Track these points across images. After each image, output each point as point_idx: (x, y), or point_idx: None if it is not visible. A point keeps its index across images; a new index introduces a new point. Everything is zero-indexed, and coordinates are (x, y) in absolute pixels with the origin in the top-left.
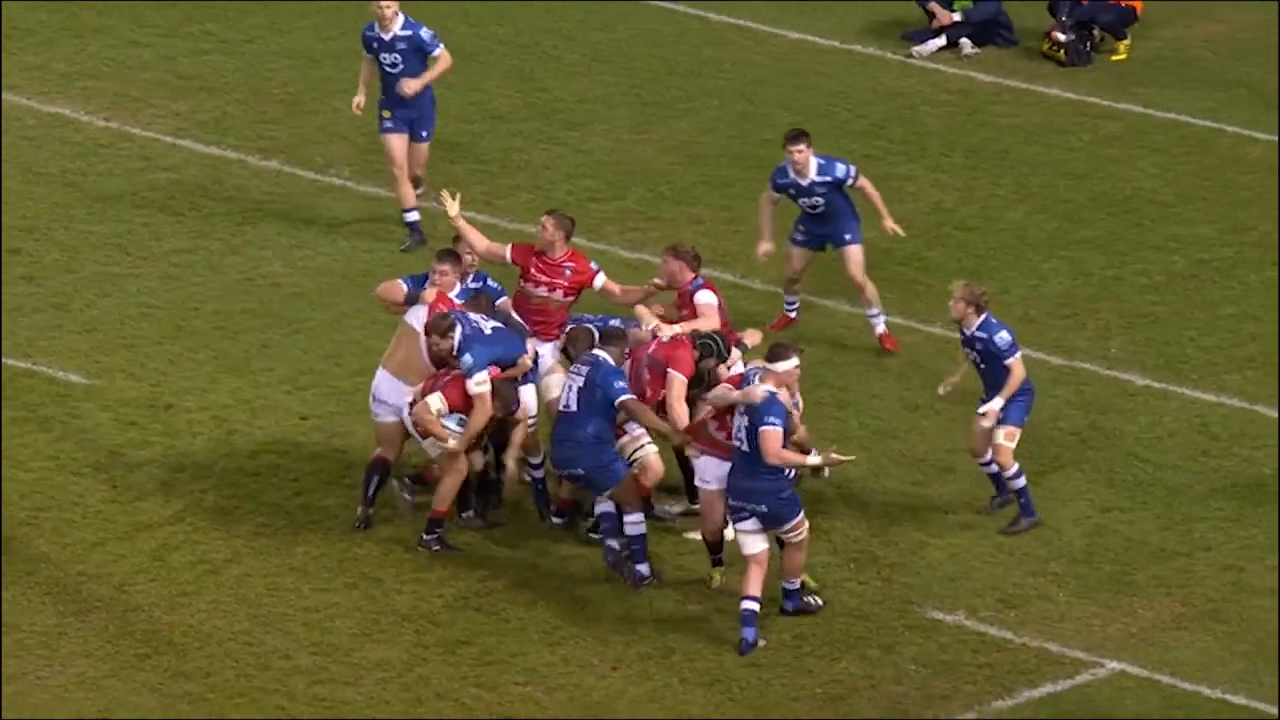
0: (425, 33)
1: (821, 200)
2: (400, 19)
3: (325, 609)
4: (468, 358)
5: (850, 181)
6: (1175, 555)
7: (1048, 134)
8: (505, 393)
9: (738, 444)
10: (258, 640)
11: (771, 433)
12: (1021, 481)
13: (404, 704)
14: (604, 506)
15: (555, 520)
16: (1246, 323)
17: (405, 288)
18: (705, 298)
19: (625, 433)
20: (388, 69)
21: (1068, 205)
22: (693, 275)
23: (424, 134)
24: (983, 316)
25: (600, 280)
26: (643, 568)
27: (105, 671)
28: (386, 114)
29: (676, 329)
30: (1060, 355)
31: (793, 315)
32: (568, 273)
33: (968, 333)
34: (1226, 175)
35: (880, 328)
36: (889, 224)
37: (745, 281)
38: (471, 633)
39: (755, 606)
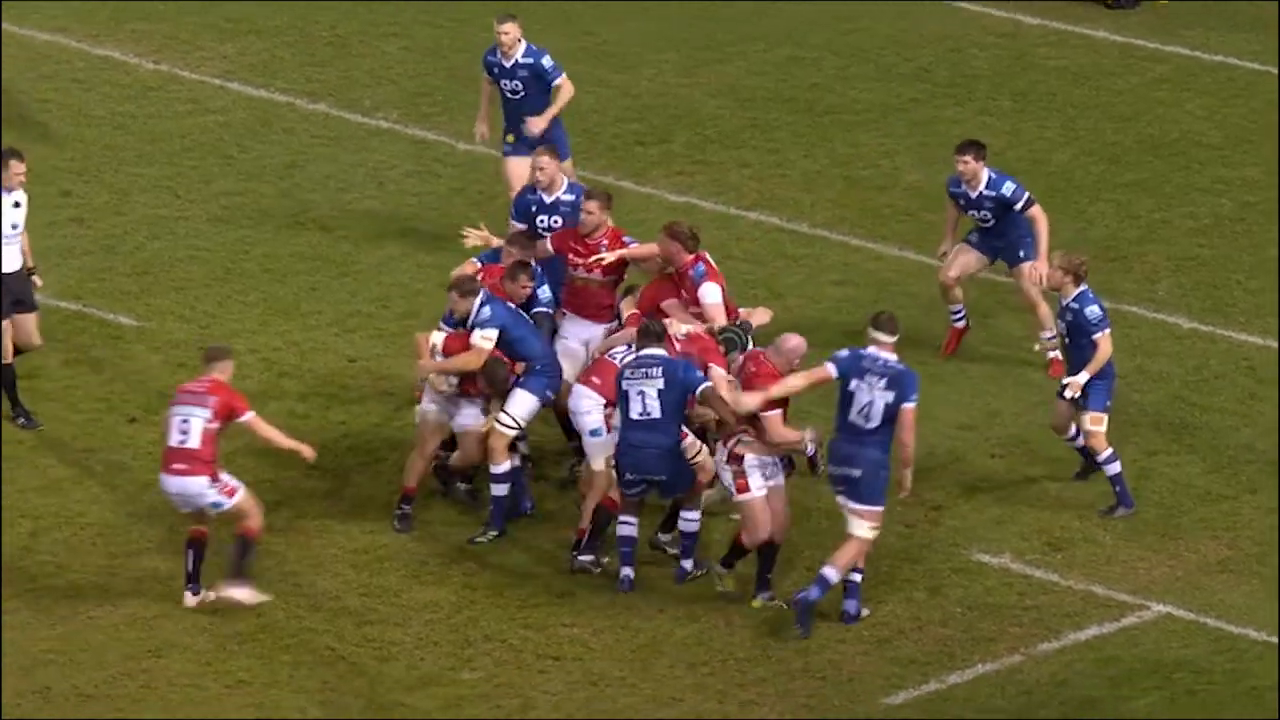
0: (547, 61)
1: (990, 215)
2: (522, 45)
3: (374, 550)
4: (486, 310)
5: (1019, 206)
6: (1221, 498)
7: (1095, 76)
8: (498, 372)
9: (860, 419)
10: (307, 582)
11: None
12: (1116, 468)
13: (452, 645)
14: (628, 529)
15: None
16: None
17: (478, 264)
18: (711, 295)
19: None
20: (508, 95)
21: (1114, 148)
22: (691, 256)
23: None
24: (1081, 288)
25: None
26: (687, 563)
27: (156, 612)
28: (510, 138)
29: (689, 328)
30: (1107, 298)
31: (960, 325)
32: (604, 249)
33: (1063, 303)
34: (1274, 118)
35: (1051, 353)
36: (1040, 266)
37: (793, 225)
38: (519, 575)
39: (857, 578)
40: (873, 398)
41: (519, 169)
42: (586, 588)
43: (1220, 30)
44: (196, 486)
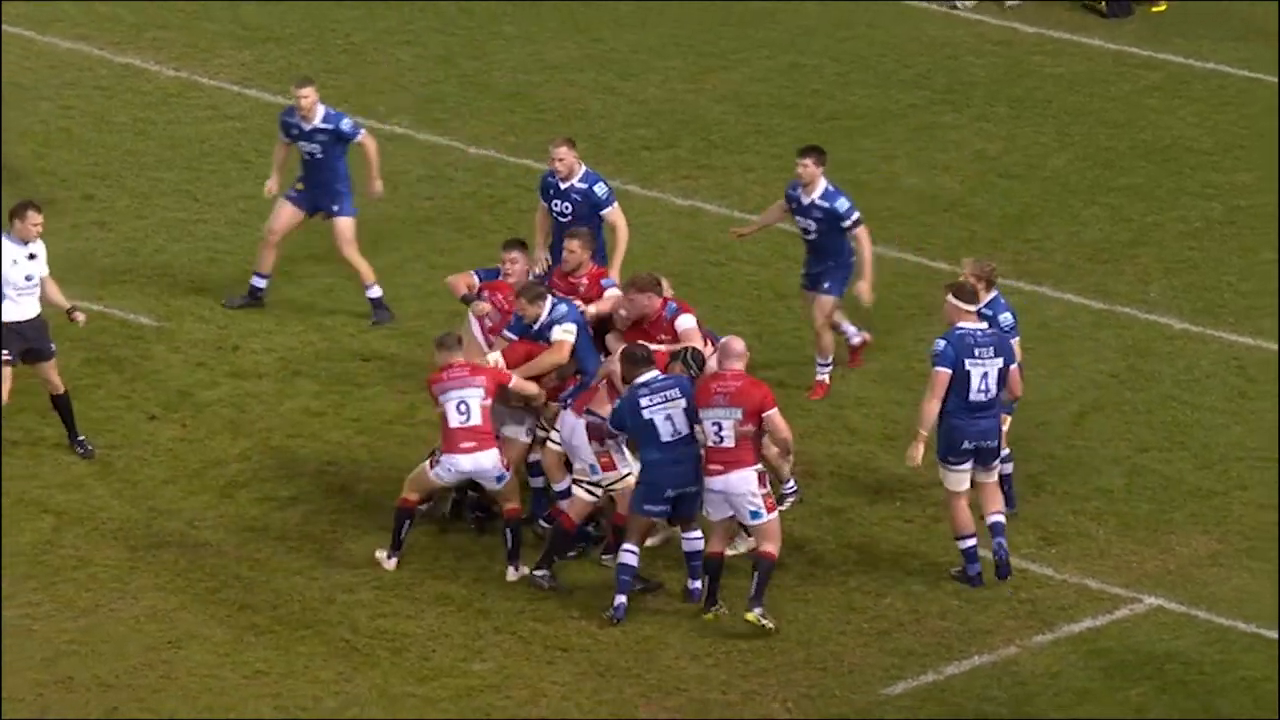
0: (346, 124)
1: (815, 226)
2: (321, 110)
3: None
4: (562, 306)
5: (848, 224)
6: (1212, 494)
7: (1089, 84)
8: (567, 370)
9: (982, 394)
10: (322, 575)
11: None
12: (1009, 468)
13: (463, 637)
14: (630, 558)
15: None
16: None
17: (476, 279)
18: (685, 323)
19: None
20: (305, 157)
21: (1108, 153)
22: (661, 300)
23: (336, 208)
24: (993, 294)
25: (593, 308)
26: (696, 584)
27: (175, 604)
28: (300, 186)
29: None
30: (1100, 299)
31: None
32: (581, 289)
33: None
34: (1264, 124)
35: (821, 376)
36: (864, 286)
37: (794, 228)
38: (527, 570)
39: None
40: (987, 369)
41: (287, 211)
42: (594, 582)
43: (1211, 39)
44: (490, 460)
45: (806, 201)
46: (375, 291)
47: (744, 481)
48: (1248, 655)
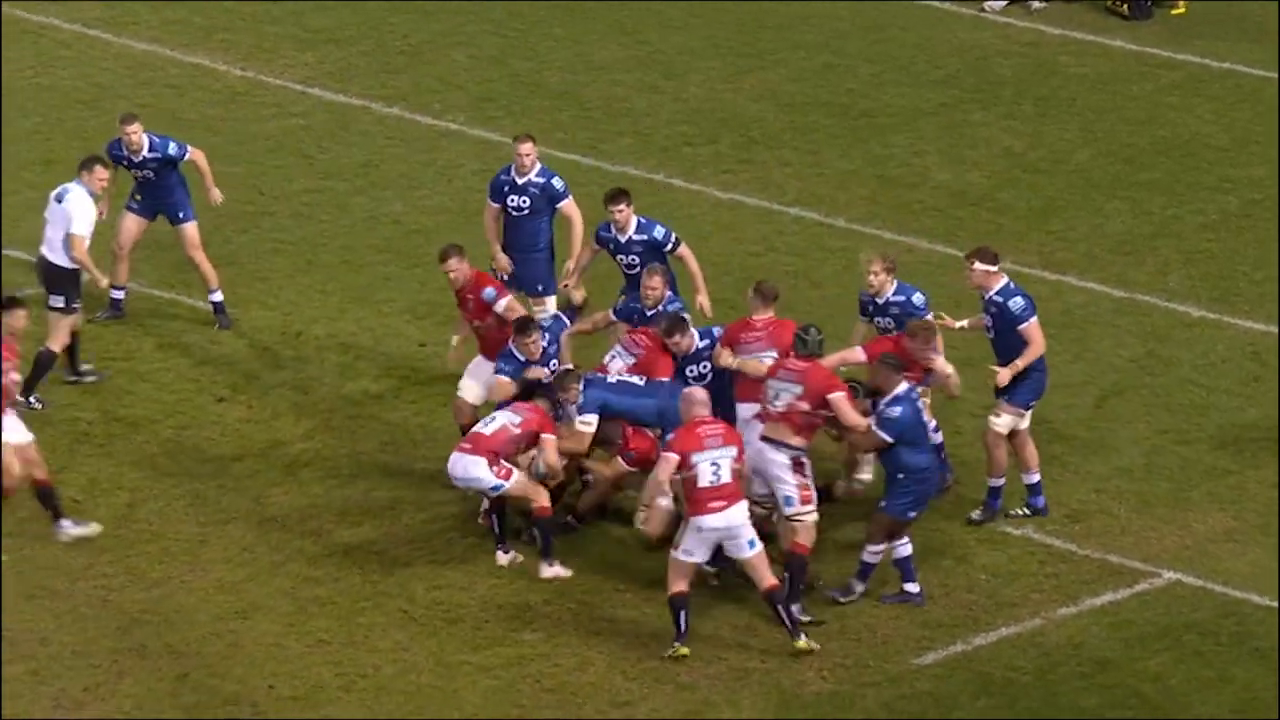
0: (173, 148)
1: (638, 259)
2: (147, 141)
3: (444, 520)
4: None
5: (669, 248)
6: (1227, 473)
7: (1112, 83)
8: (612, 434)
9: None
10: (381, 549)
11: None
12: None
13: (514, 608)
14: (906, 550)
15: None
16: None
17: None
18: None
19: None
20: (140, 179)
21: (1130, 149)
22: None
23: (181, 215)
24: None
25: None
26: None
27: (243, 576)
28: (138, 197)
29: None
30: (1122, 288)
31: None
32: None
33: (883, 298)
34: (1277, 122)
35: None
36: (702, 299)
37: (830, 220)
38: (576, 546)
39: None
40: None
41: (131, 223)
42: (637, 556)
43: (1228, 40)
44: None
45: (624, 240)
46: (218, 296)
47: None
48: (1261, 627)
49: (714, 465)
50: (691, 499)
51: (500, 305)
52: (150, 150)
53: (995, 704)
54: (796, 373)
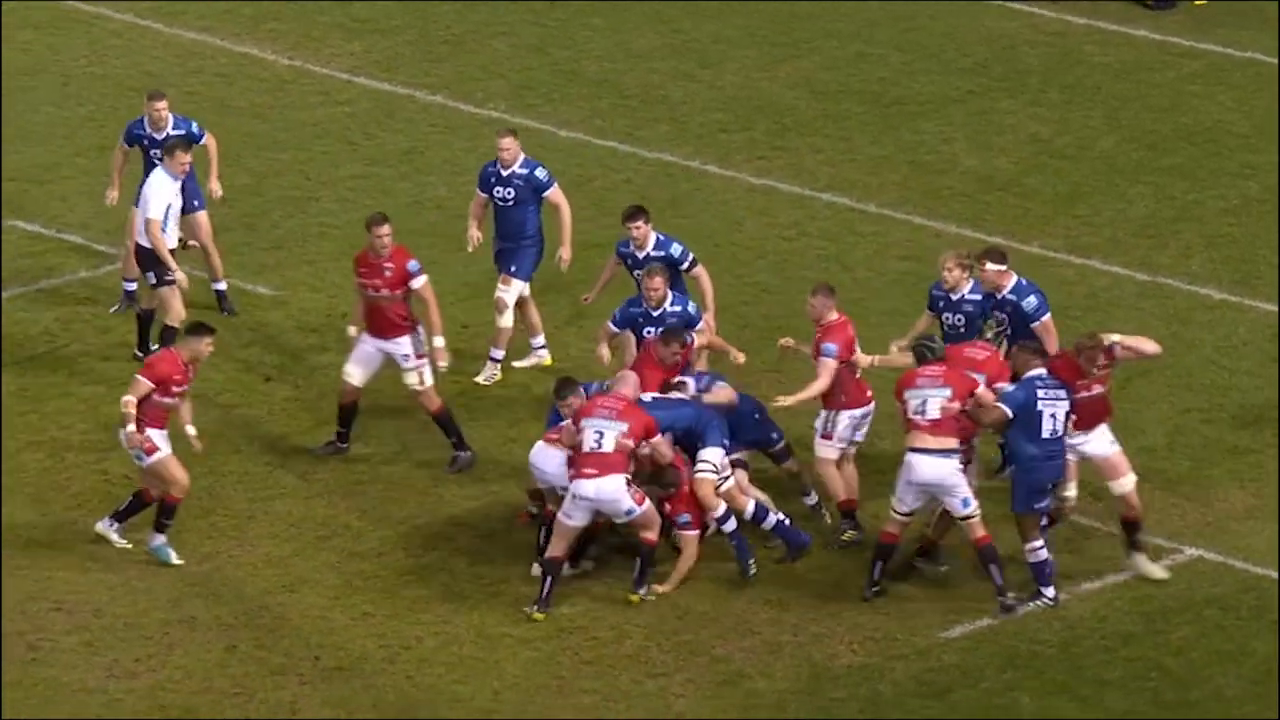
0: (196, 127)
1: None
2: (171, 118)
3: (486, 496)
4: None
5: (685, 267)
6: (1248, 452)
7: (1136, 71)
8: (667, 476)
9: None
10: (424, 524)
11: None
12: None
13: None
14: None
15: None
16: None
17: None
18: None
19: None
20: (155, 163)
21: (1153, 136)
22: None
23: (196, 203)
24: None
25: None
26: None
27: (289, 551)
28: None
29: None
30: (1145, 272)
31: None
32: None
33: (953, 297)
34: None
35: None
36: (709, 319)
37: (861, 205)
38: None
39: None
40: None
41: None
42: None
43: (1250, 29)
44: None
45: (642, 256)
46: (222, 286)
47: (615, 487)
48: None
49: (598, 433)
50: (572, 463)
51: (418, 282)
52: (174, 128)
53: (1021, 676)
54: (936, 378)
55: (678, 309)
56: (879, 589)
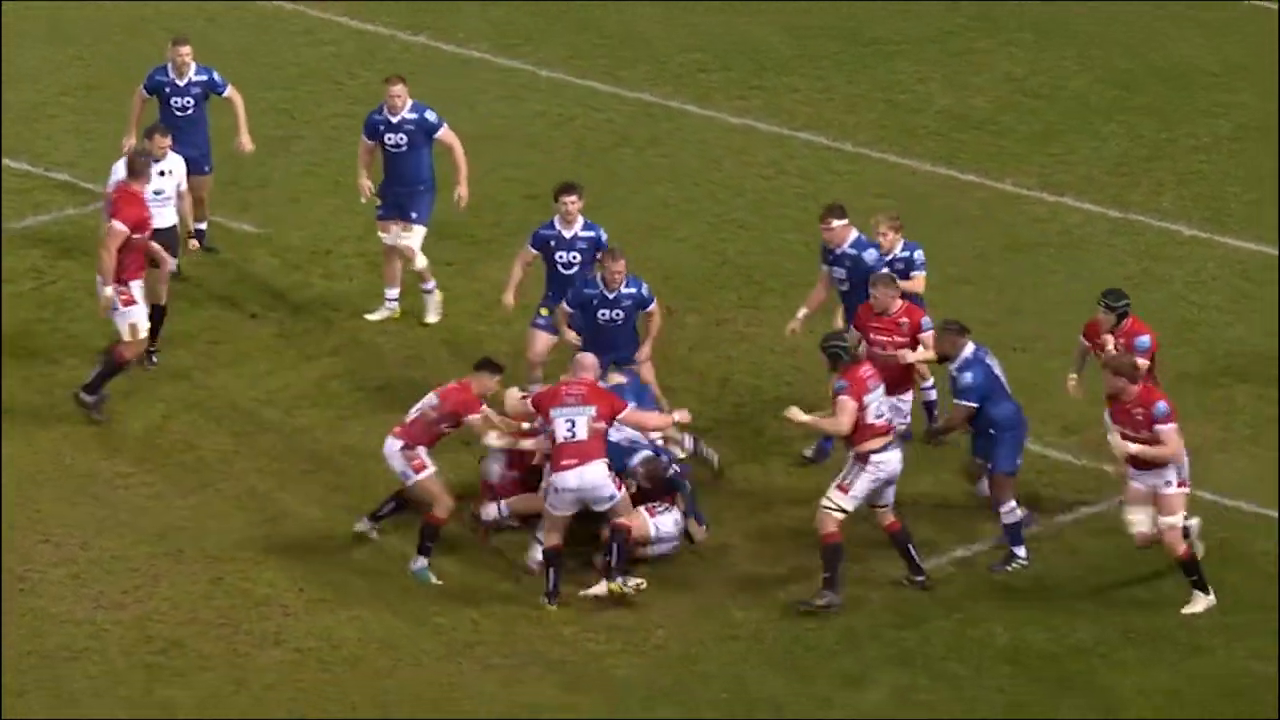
0: (218, 75)
1: (580, 257)
2: (193, 66)
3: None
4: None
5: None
6: (1218, 385)
7: (1108, 11)
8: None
9: None
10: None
11: None
12: None
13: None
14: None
15: None
16: None
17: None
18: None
19: None
20: (177, 112)
21: (1125, 75)
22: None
23: (206, 168)
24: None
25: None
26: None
27: (274, 485)
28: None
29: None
30: (1117, 209)
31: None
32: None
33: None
34: (1266, 48)
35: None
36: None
37: (838, 144)
38: None
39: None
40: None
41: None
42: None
43: None
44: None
45: (569, 236)
46: (203, 225)
47: (598, 474)
48: (1249, 533)
49: (569, 422)
50: (551, 456)
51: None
52: (197, 74)
53: (994, 607)
54: (878, 380)
55: (632, 290)
56: (922, 577)
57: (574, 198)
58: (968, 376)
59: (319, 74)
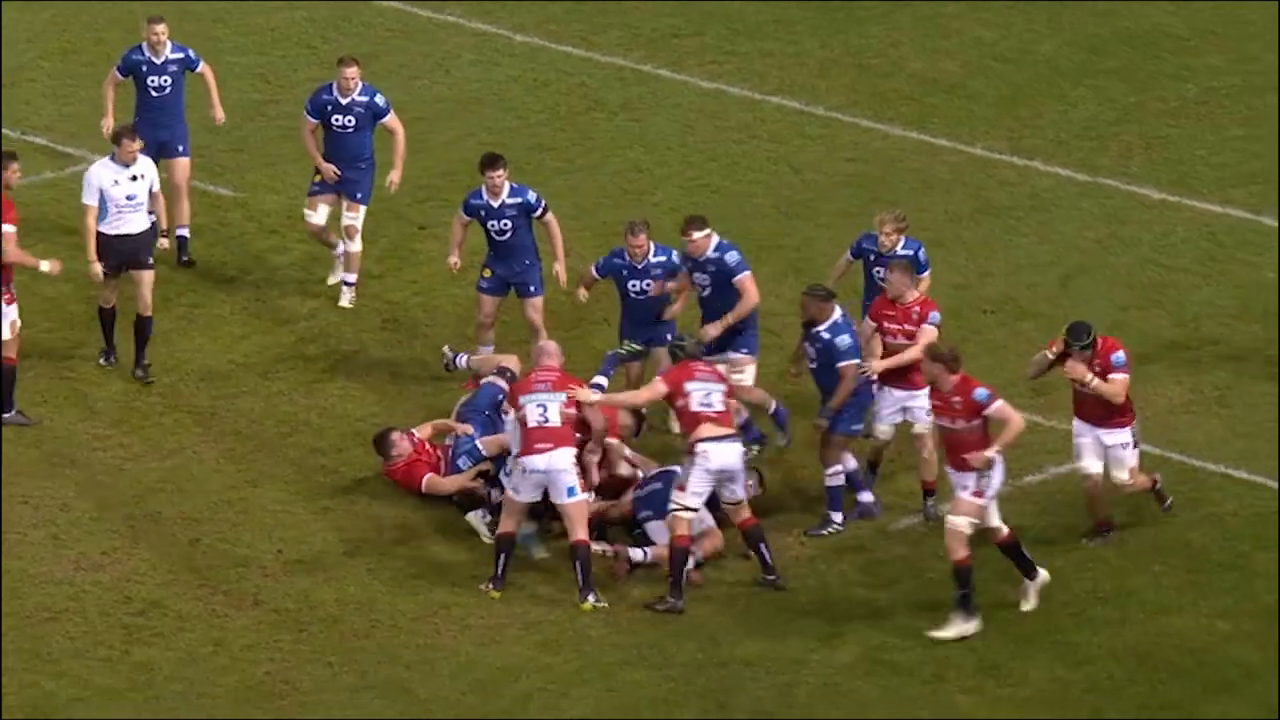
0: (194, 54)
1: (510, 225)
2: (169, 45)
3: (444, 394)
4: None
5: (537, 214)
6: (1185, 348)
7: None
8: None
9: None
10: (382, 421)
11: None
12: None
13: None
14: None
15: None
16: (1251, 143)
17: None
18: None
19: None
20: (153, 92)
21: (1094, 39)
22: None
23: (181, 149)
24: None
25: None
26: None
27: (252, 447)
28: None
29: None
30: (1085, 172)
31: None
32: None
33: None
34: (1235, 11)
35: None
36: (559, 268)
37: (810, 108)
38: None
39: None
40: None
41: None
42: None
43: None
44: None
45: (497, 205)
46: (185, 232)
47: (566, 459)
48: (1216, 493)
49: (541, 407)
50: (520, 440)
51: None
52: (173, 52)
53: None
54: (709, 373)
55: (661, 259)
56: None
57: (499, 172)
58: (846, 338)
59: (293, 38)
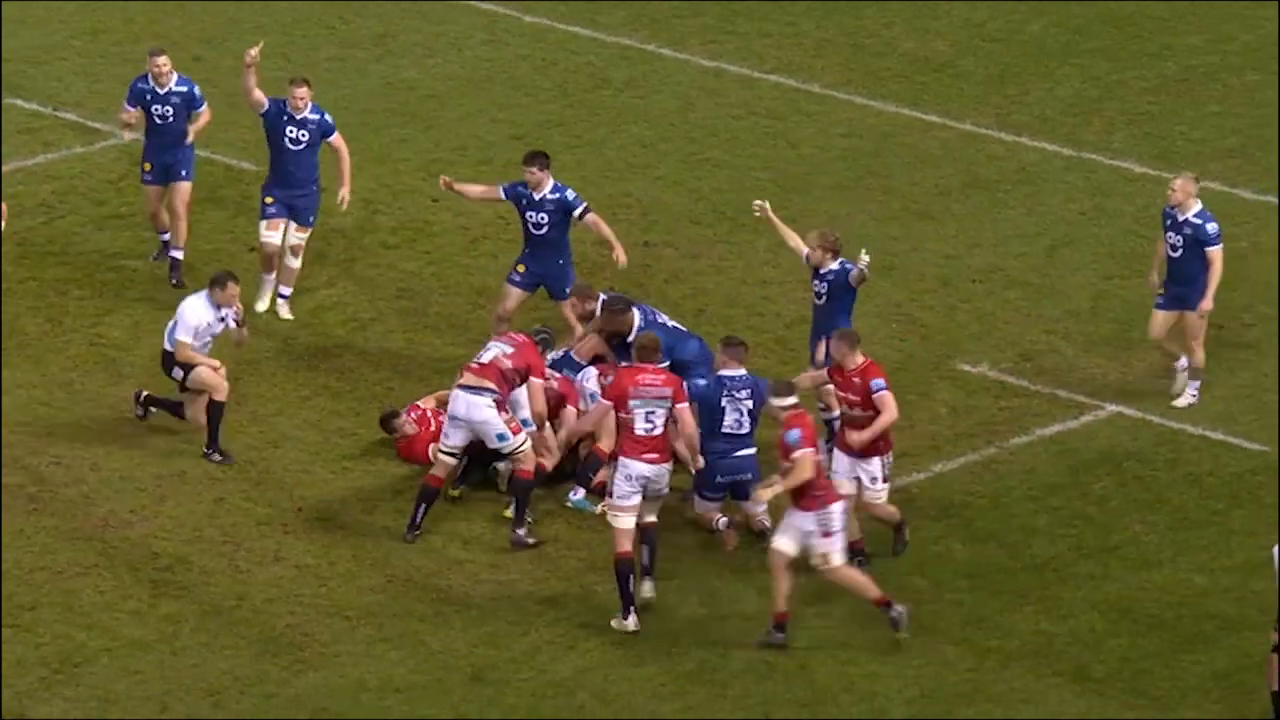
0: (198, 90)
1: (548, 219)
2: (174, 77)
3: (456, 360)
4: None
5: (578, 213)
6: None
7: None
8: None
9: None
10: (398, 386)
11: None
12: None
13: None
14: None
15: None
16: (1229, 119)
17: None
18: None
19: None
20: (157, 120)
21: (1079, 19)
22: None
23: (184, 173)
24: (838, 261)
25: None
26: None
27: (273, 410)
28: (148, 166)
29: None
30: (1070, 147)
31: None
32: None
33: (820, 271)
34: None
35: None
36: (618, 253)
37: (806, 86)
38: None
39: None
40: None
41: (153, 194)
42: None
43: None
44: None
45: (538, 198)
46: (179, 254)
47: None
48: (1194, 455)
49: (484, 349)
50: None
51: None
52: (178, 84)
53: (954, 524)
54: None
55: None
56: (419, 531)
57: (534, 168)
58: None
59: (312, 19)
